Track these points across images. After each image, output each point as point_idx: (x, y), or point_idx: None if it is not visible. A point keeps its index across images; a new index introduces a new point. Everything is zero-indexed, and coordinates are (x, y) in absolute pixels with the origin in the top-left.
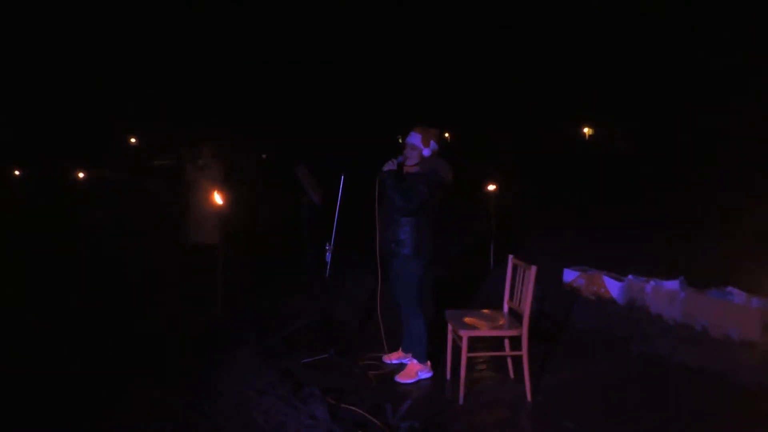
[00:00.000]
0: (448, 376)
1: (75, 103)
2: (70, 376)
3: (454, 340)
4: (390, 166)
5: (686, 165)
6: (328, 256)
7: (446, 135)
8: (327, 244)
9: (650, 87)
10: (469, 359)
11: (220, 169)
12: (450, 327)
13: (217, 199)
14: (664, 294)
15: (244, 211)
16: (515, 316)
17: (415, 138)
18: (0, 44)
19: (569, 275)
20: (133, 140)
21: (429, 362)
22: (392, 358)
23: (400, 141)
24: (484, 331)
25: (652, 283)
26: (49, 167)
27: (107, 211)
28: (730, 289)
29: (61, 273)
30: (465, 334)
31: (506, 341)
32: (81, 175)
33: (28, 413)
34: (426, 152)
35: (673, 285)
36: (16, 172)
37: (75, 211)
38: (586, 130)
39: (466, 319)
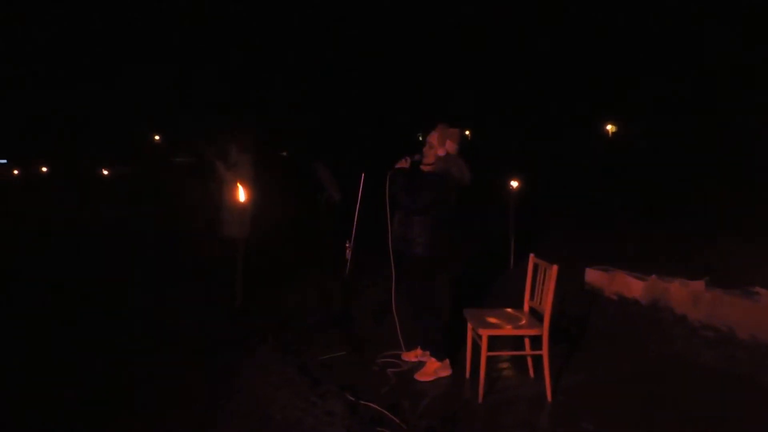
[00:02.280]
0: (468, 375)
1: (96, 100)
2: (82, 369)
3: (473, 339)
4: (402, 163)
5: (711, 162)
6: (348, 254)
7: (467, 133)
8: (347, 241)
9: (675, 83)
10: (488, 358)
11: (249, 167)
12: (469, 326)
13: (242, 195)
14: (688, 294)
15: (267, 208)
16: (536, 315)
17: (432, 136)
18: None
19: (591, 274)
20: (156, 137)
21: (448, 360)
22: (411, 356)
23: (421, 139)
24: (505, 330)
25: (676, 282)
26: (74, 164)
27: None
28: (757, 289)
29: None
30: (485, 332)
31: (526, 340)
32: (105, 172)
33: (44, 403)
34: (441, 151)
35: (698, 285)
36: (44, 169)
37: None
38: (609, 127)
39: (488, 318)
